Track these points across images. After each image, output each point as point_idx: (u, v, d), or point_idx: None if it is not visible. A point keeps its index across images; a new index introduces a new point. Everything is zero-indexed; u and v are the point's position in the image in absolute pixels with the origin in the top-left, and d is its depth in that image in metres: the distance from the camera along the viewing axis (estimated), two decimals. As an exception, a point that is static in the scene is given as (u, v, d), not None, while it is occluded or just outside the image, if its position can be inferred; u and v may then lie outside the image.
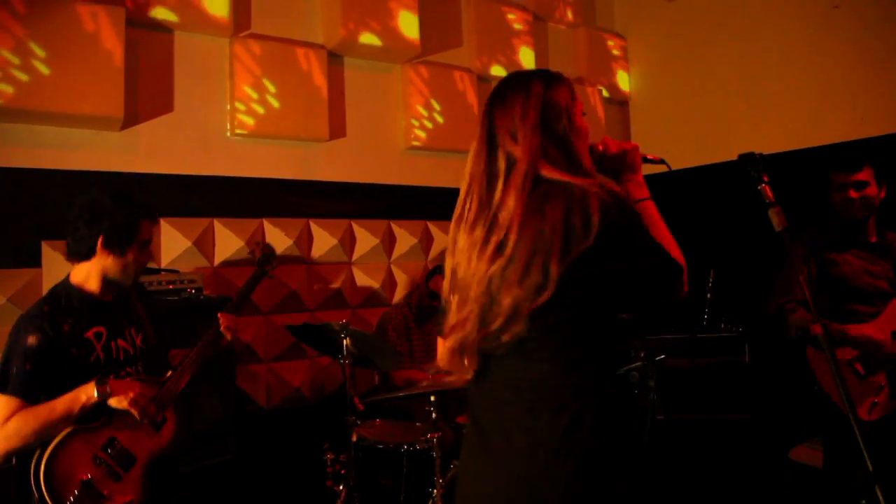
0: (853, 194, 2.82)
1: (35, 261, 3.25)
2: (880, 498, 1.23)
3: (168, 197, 3.65)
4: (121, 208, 2.19)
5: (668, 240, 1.54)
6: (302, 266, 3.98)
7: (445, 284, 1.62)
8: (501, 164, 1.52)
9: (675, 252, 1.50)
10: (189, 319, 2.77)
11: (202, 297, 3.25)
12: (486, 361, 1.53)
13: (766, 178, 1.93)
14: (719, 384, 4.15)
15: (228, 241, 3.76)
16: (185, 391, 2.34)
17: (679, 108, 5.27)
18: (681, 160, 5.15)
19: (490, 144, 1.56)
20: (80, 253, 2.19)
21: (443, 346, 1.57)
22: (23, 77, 3.11)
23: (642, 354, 3.41)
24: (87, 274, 2.23)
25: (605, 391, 1.45)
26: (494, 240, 1.46)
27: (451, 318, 1.55)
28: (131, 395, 2.09)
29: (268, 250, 2.99)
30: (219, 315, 2.52)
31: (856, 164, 2.86)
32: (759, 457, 3.79)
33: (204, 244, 3.69)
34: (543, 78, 1.58)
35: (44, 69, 3.15)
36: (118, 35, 3.34)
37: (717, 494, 3.68)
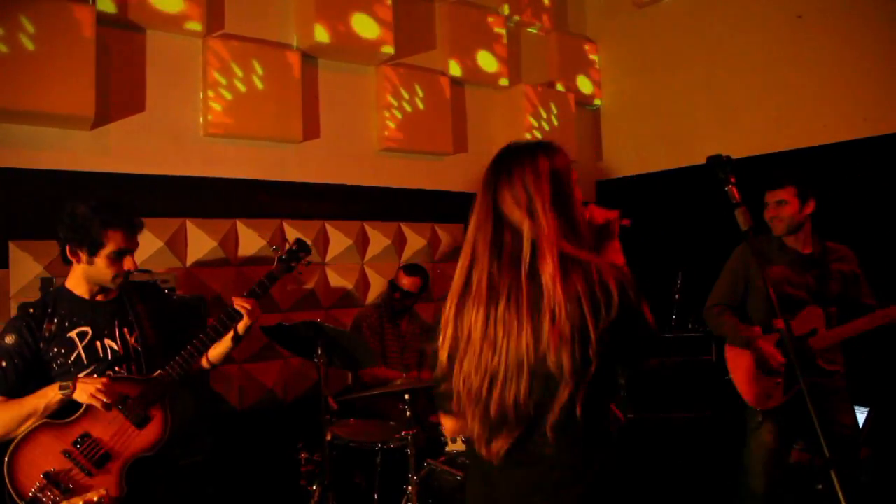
0: (772, 212, 3.00)
1: (2, 262, 3.21)
2: (836, 482, 1.29)
3: (140, 197, 3.60)
4: (85, 218, 2.20)
5: None
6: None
7: (444, 354, 1.63)
8: (510, 239, 1.54)
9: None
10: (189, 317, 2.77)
11: (175, 297, 3.23)
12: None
13: (733, 180, 1.99)
14: (686, 383, 4.25)
15: (201, 242, 3.75)
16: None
17: (649, 112, 5.36)
18: (650, 164, 5.28)
19: (496, 219, 1.57)
20: (62, 257, 2.26)
21: (458, 423, 1.60)
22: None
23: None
24: (76, 277, 2.31)
25: (609, 453, 1.54)
26: (529, 316, 1.47)
27: (469, 392, 1.56)
28: (91, 389, 2.10)
29: (297, 246, 2.73)
30: (233, 298, 2.46)
31: (776, 183, 3.00)
32: (719, 452, 3.88)
33: (176, 244, 3.68)
34: (547, 151, 1.60)
35: (11, 65, 3.12)
36: (89, 33, 3.32)
37: (688, 492, 3.75)
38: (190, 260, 3.73)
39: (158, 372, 2.31)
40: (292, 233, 4.05)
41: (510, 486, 1.56)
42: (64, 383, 2.12)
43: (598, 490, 1.50)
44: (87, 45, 3.32)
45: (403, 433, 2.94)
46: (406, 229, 4.53)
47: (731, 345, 3.12)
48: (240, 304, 2.45)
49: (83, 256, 2.22)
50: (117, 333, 2.30)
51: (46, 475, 2.08)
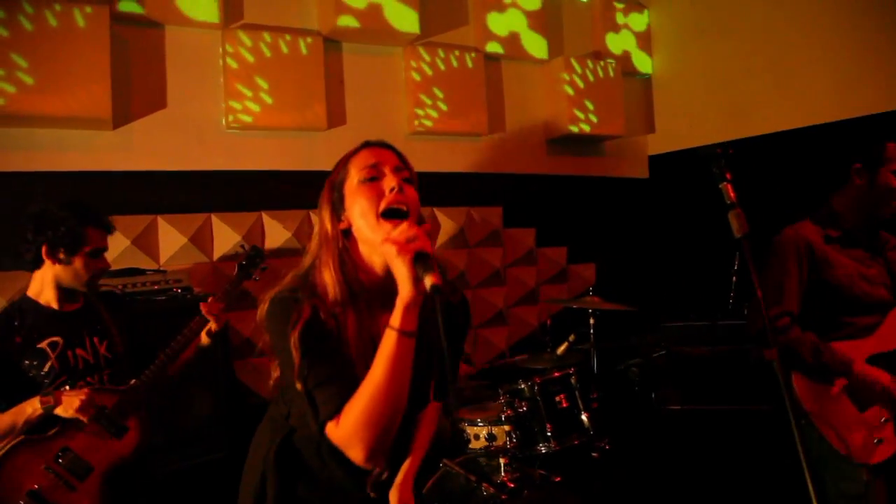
0: None
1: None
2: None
3: (164, 194, 3.65)
4: (65, 217, 2.19)
5: None
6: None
7: None
8: None
9: None
10: (176, 320, 2.72)
11: (190, 296, 3.22)
12: None
13: (728, 176, 1.76)
14: (740, 373, 3.92)
15: (226, 236, 3.74)
16: (174, 391, 2.34)
17: (703, 81, 4.97)
18: (705, 136, 4.90)
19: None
20: (28, 262, 2.23)
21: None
22: (9, 88, 3.11)
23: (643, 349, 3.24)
24: (42, 284, 2.27)
25: None
26: None
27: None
28: (76, 403, 2.09)
29: (253, 252, 2.83)
30: (200, 304, 2.48)
31: None
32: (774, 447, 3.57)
33: (202, 240, 3.68)
34: None
35: (27, 79, 3.15)
36: (102, 34, 3.32)
37: (733, 488, 3.49)
38: (216, 254, 3.73)
39: (133, 381, 2.30)
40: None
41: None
42: (45, 398, 2.11)
43: None
44: (102, 46, 3.32)
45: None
46: (440, 214, 4.39)
47: (805, 375, 2.40)
48: (207, 311, 2.44)
49: (62, 256, 2.21)
50: (87, 343, 2.29)
51: (30, 493, 2.07)
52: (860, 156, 2.47)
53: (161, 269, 3.44)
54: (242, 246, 2.93)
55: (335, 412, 1.38)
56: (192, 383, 2.67)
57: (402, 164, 1.59)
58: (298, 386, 1.40)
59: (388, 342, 1.37)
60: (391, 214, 1.49)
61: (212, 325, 2.45)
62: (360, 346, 1.47)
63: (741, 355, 3.80)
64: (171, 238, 3.60)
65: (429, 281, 1.29)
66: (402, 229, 1.39)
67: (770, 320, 2.21)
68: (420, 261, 1.34)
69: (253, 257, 2.77)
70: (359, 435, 1.36)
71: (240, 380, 3.58)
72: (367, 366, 1.42)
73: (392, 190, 1.50)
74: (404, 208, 1.50)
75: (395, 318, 1.37)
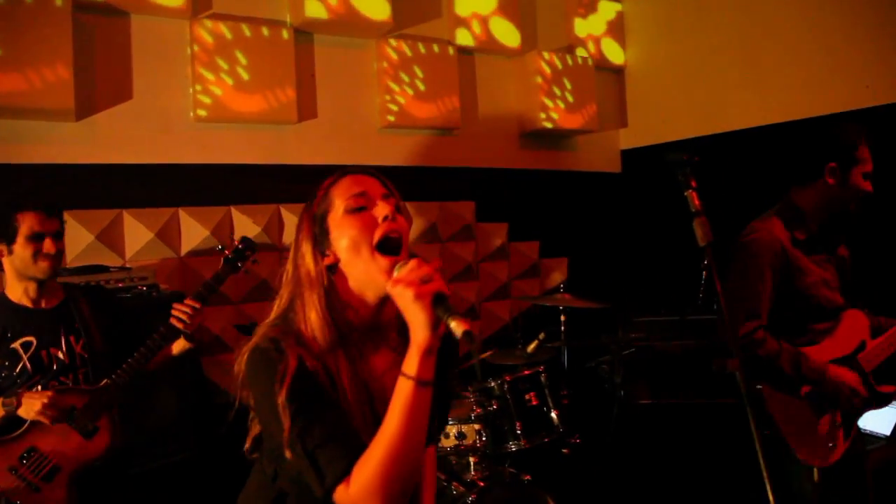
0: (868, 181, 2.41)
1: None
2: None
3: (130, 187, 3.57)
4: None
5: None
6: (273, 254, 3.88)
7: None
8: None
9: None
10: (141, 319, 2.66)
11: (156, 293, 3.16)
12: None
13: (693, 184, 1.73)
14: (709, 367, 3.95)
15: (194, 231, 3.68)
16: (140, 391, 2.29)
17: (677, 75, 4.98)
18: (678, 131, 4.92)
19: None
20: None
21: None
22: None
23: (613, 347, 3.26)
24: (8, 280, 2.27)
25: None
26: None
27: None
28: (37, 406, 2.04)
29: (243, 244, 2.63)
30: (174, 305, 2.40)
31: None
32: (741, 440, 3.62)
33: (169, 235, 3.61)
34: None
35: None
36: (64, 21, 3.22)
37: (702, 481, 3.53)
38: (184, 250, 3.67)
39: (105, 381, 2.25)
40: (290, 217, 3.94)
41: None
42: (7, 399, 2.08)
43: None
44: (64, 34, 3.22)
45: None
46: (411, 209, 4.34)
47: (773, 386, 2.39)
48: (180, 311, 2.36)
49: (3, 249, 2.18)
50: (63, 342, 2.25)
51: None
52: (833, 154, 2.42)
53: (126, 265, 3.37)
54: (220, 247, 2.75)
55: (344, 473, 1.26)
56: (159, 382, 2.61)
57: (389, 192, 1.50)
58: (288, 454, 1.29)
59: (404, 392, 1.26)
60: (387, 246, 1.40)
61: (186, 329, 2.35)
62: (355, 394, 1.36)
63: (710, 352, 3.84)
64: (136, 233, 3.52)
65: (459, 328, 1.19)
66: (412, 268, 1.29)
67: (746, 332, 2.32)
68: (440, 303, 1.25)
69: (242, 250, 2.60)
70: (376, 495, 1.24)
71: (208, 378, 3.53)
72: (364, 414, 1.34)
73: (386, 219, 1.41)
74: (399, 237, 1.42)
75: (411, 367, 1.26)
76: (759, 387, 2.40)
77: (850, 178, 2.40)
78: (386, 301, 1.40)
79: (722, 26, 4.64)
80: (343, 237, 1.41)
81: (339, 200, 1.45)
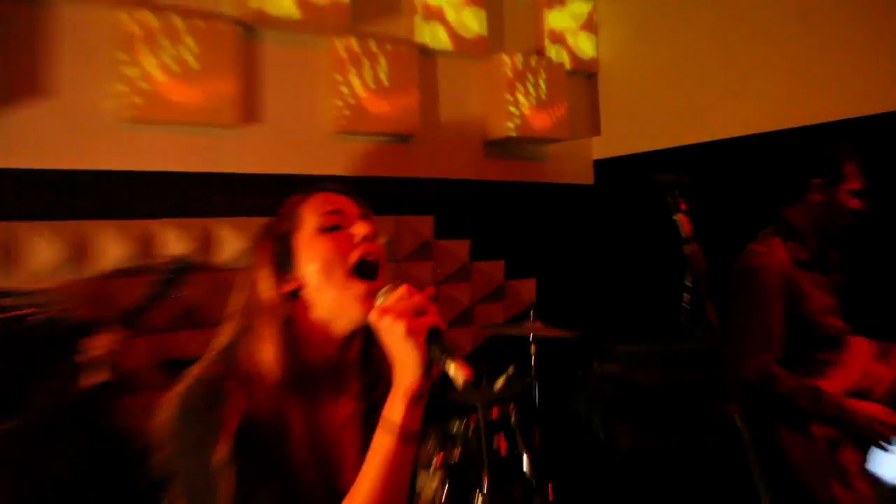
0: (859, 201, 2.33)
1: None
2: None
3: (40, 197, 3.14)
4: None
5: None
6: (205, 275, 3.44)
7: None
8: None
9: None
10: (50, 349, 2.28)
11: (69, 320, 2.72)
12: None
13: (683, 207, 1.56)
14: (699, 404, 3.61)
15: (114, 248, 3.23)
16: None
17: (652, 81, 4.74)
18: (654, 140, 4.67)
19: None
20: None
21: None
22: None
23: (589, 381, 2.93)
24: None
25: None
26: None
27: None
28: None
29: (177, 266, 2.43)
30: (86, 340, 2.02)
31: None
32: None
33: (83, 252, 3.17)
34: None
35: None
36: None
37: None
38: (102, 269, 3.21)
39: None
40: (227, 233, 3.52)
41: None
42: None
43: None
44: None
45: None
46: (368, 224, 3.98)
47: (790, 427, 2.22)
48: (97, 346, 1.98)
49: None
50: None
51: None
52: (817, 168, 2.38)
53: (29, 289, 2.91)
54: (147, 266, 2.38)
55: None
56: (48, 434, 2.18)
57: (367, 212, 1.38)
58: None
59: (385, 445, 1.10)
60: (363, 269, 1.25)
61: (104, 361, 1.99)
62: (307, 451, 1.16)
63: (702, 387, 3.51)
64: (43, 251, 3.07)
65: (459, 375, 1.04)
66: (401, 296, 1.14)
67: (760, 369, 2.17)
68: (436, 341, 1.10)
69: (176, 271, 2.35)
70: None
71: (117, 425, 3.07)
72: (318, 469, 1.16)
73: (365, 239, 1.28)
74: (377, 261, 1.27)
75: (396, 413, 1.10)
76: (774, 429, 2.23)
77: (836, 195, 2.35)
78: (353, 337, 1.28)
79: (699, 31, 4.42)
80: (313, 259, 1.26)
81: (309, 217, 1.31)
